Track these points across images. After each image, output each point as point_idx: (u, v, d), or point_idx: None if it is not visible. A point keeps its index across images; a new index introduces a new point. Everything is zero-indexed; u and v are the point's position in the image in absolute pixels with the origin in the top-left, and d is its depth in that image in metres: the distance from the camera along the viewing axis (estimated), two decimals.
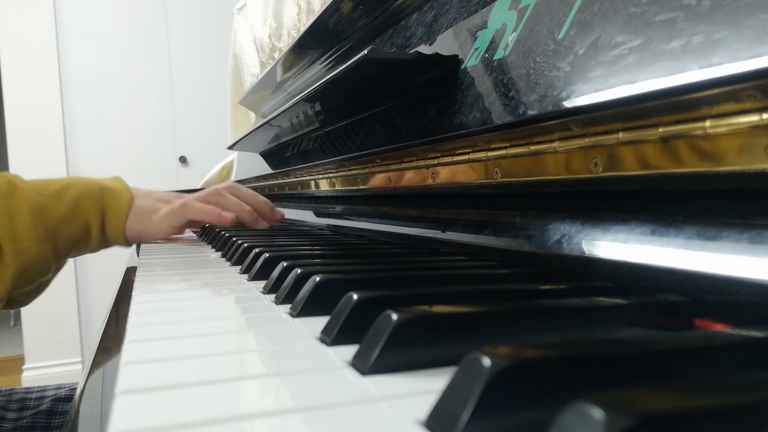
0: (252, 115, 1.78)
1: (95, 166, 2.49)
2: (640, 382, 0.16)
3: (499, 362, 0.15)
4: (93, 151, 2.50)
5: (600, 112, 0.29)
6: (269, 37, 1.45)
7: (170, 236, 0.73)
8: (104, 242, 0.69)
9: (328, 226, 0.77)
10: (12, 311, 3.79)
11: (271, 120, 0.84)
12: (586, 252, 0.30)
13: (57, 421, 0.71)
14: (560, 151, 0.32)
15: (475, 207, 0.45)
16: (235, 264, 0.52)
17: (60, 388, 0.76)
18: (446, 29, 0.48)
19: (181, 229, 0.73)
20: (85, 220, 0.65)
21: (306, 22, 1.04)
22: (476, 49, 0.42)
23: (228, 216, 0.71)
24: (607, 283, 0.29)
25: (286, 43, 1.38)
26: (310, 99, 0.65)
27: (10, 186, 0.60)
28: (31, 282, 0.64)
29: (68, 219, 0.64)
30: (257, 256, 0.46)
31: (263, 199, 0.79)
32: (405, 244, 0.53)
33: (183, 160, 2.67)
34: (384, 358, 0.20)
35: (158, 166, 2.61)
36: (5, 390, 0.74)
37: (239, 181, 1.43)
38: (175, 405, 0.17)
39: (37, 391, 0.75)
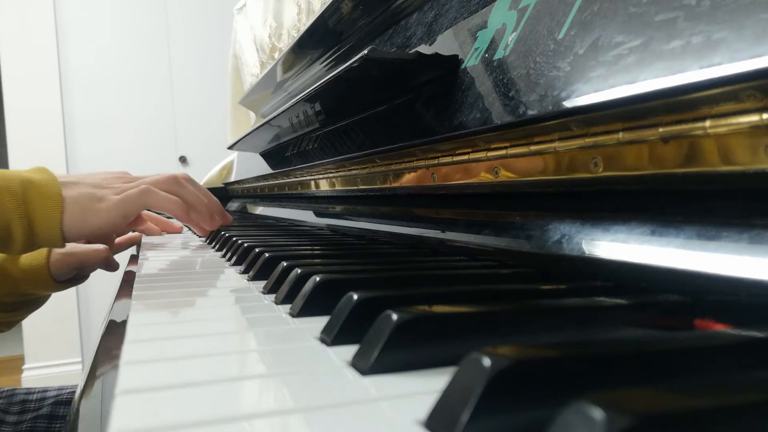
0: (252, 115, 1.78)
1: (95, 166, 2.49)
2: (640, 382, 0.16)
3: (499, 362, 0.15)
4: (93, 151, 2.50)
5: (600, 112, 0.29)
6: (269, 37, 1.45)
7: (121, 228, 0.61)
8: (32, 244, 0.57)
9: (328, 226, 0.77)
10: None
11: (271, 120, 0.84)
12: (586, 252, 0.30)
13: (57, 425, 0.70)
14: (560, 151, 0.32)
15: (475, 207, 0.45)
16: (235, 264, 0.52)
17: (62, 390, 0.76)
18: (446, 29, 0.48)
19: (132, 219, 0.65)
20: (4, 221, 0.54)
21: (306, 22, 1.04)
22: (476, 49, 0.42)
23: (194, 218, 0.64)
24: (607, 283, 0.29)
25: (286, 43, 1.38)
26: (310, 99, 0.65)
27: None
28: None
29: None
30: (257, 256, 0.46)
31: (216, 199, 0.73)
32: (405, 244, 0.53)
33: (183, 160, 2.67)
34: (384, 358, 0.20)
35: (158, 166, 2.61)
36: (6, 390, 0.73)
37: (238, 182, 1.43)
38: (175, 405, 0.17)
39: (38, 392, 0.74)
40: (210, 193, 0.72)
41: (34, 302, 0.66)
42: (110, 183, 0.62)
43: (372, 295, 0.25)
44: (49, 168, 0.59)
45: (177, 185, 0.65)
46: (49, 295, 0.68)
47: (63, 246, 0.60)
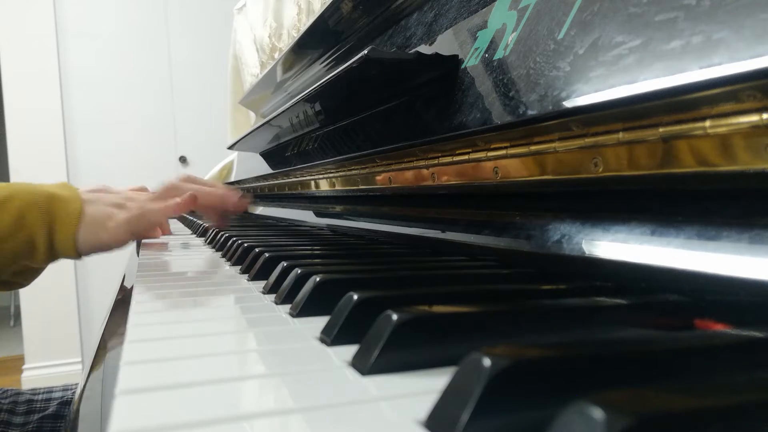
0: (252, 115, 1.78)
1: (95, 166, 2.49)
2: (640, 382, 0.16)
3: (499, 362, 0.15)
4: (93, 151, 2.50)
5: (600, 112, 0.29)
6: (269, 37, 1.45)
7: (128, 243, 0.67)
8: (52, 256, 0.62)
9: (328, 226, 0.77)
10: (12, 311, 3.79)
11: (271, 120, 0.84)
12: (586, 252, 0.30)
13: (64, 425, 0.70)
14: (560, 151, 0.32)
15: (475, 207, 0.45)
16: (235, 264, 0.52)
17: (67, 390, 0.75)
18: (446, 29, 0.48)
19: (141, 235, 0.69)
20: (29, 235, 0.58)
21: (306, 22, 1.04)
22: (476, 49, 0.42)
23: (187, 195, 0.67)
24: (607, 283, 0.29)
25: (286, 43, 1.38)
26: (310, 99, 0.65)
27: None
28: None
29: (10, 234, 0.57)
30: (257, 256, 0.46)
31: (223, 187, 0.75)
32: (405, 244, 0.53)
33: (183, 160, 2.67)
34: (384, 358, 0.20)
35: (158, 166, 2.61)
36: (11, 391, 0.73)
37: (238, 182, 1.43)
38: (175, 405, 0.17)
39: (43, 393, 0.74)
40: (215, 183, 0.75)
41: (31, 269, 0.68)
42: (125, 201, 0.66)
43: (372, 295, 0.25)
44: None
45: (173, 189, 0.69)
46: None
47: (79, 258, 0.64)
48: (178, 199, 0.67)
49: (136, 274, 0.47)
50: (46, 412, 0.70)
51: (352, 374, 0.20)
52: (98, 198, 0.65)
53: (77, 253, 0.62)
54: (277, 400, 0.18)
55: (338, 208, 0.77)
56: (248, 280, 0.43)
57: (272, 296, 0.36)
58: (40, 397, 0.73)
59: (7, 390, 0.73)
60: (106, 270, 2.41)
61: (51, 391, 0.75)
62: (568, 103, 0.30)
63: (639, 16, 0.27)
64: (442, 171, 0.46)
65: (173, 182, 0.71)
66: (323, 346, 0.24)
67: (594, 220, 0.31)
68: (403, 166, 0.53)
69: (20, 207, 0.58)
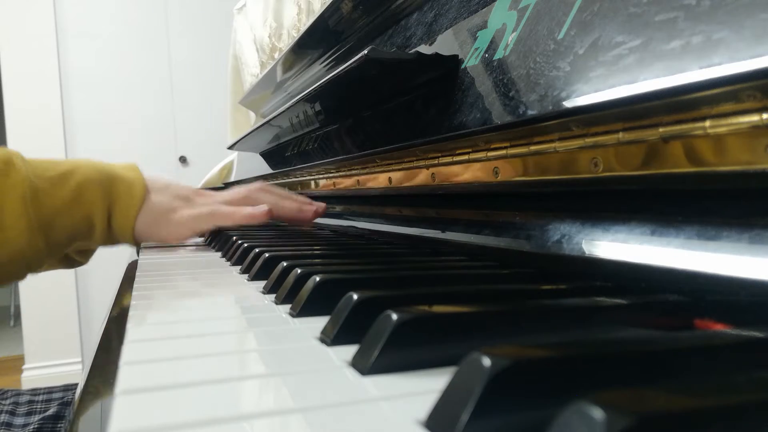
0: (252, 115, 1.78)
1: None
2: (640, 382, 0.16)
3: (499, 362, 0.15)
4: (93, 151, 2.49)
5: (600, 112, 0.29)
6: (269, 37, 1.45)
7: (189, 238, 0.64)
8: (110, 238, 0.60)
9: (328, 226, 0.77)
10: (12, 311, 3.79)
11: (271, 120, 0.84)
12: (586, 252, 0.30)
13: (64, 425, 0.70)
14: (560, 151, 0.32)
15: (475, 207, 0.45)
16: (235, 264, 0.52)
17: (67, 390, 0.75)
18: (446, 29, 0.48)
19: (199, 234, 0.66)
20: (87, 212, 0.57)
21: (306, 22, 1.04)
22: (476, 49, 0.42)
23: (262, 209, 0.63)
24: (607, 283, 0.29)
25: (286, 43, 1.38)
26: (310, 99, 0.65)
27: (5, 165, 0.53)
28: (16, 275, 0.57)
29: (67, 209, 0.56)
30: (257, 256, 0.46)
31: (300, 197, 0.72)
32: (405, 244, 0.53)
33: (183, 160, 2.67)
34: (384, 358, 0.20)
35: (158, 166, 2.60)
36: (11, 392, 0.73)
37: (238, 182, 1.43)
38: (175, 405, 0.17)
39: (43, 393, 0.74)
40: (291, 194, 0.71)
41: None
42: (190, 196, 0.64)
43: (372, 295, 0.25)
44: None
45: (245, 200, 0.66)
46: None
47: (136, 245, 0.62)
48: (250, 209, 0.63)
49: (136, 274, 0.47)
50: (47, 413, 0.70)
51: (352, 374, 0.20)
52: (166, 187, 0.63)
53: (134, 240, 0.60)
54: (277, 400, 0.18)
55: (338, 208, 0.77)
56: (248, 280, 0.43)
57: (272, 296, 0.36)
58: (40, 398, 0.73)
59: (8, 391, 0.73)
60: (106, 270, 2.40)
61: (51, 392, 0.74)
62: (568, 103, 0.30)
63: (639, 16, 0.27)
64: (442, 171, 0.46)
65: (247, 191, 0.67)
66: (323, 346, 0.24)
67: (594, 220, 0.31)
68: (403, 166, 0.53)
69: (80, 182, 0.57)
